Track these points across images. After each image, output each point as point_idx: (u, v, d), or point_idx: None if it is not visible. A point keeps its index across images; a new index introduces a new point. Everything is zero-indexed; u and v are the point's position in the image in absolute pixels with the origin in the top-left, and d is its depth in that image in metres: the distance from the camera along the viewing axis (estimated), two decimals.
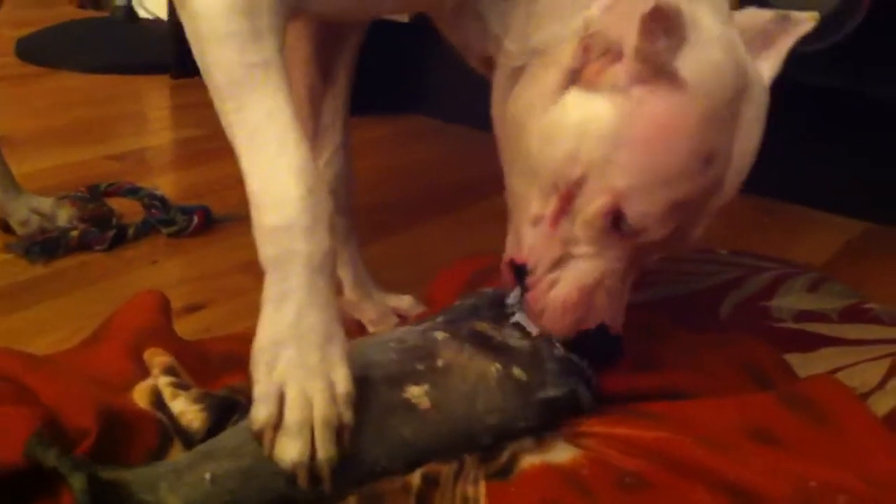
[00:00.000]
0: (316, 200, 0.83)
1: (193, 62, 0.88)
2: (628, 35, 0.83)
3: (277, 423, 0.78)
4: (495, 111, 0.97)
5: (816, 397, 0.99)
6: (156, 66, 2.34)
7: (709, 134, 0.85)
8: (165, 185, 1.59)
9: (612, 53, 0.85)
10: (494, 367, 0.89)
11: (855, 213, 1.71)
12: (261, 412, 0.79)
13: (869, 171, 1.73)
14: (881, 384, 1.09)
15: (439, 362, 0.88)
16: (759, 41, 0.91)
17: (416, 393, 0.85)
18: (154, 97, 2.25)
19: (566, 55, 0.88)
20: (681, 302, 1.27)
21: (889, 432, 0.94)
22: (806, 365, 1.12)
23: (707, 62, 0.84)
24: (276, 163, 0.83)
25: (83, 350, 1.02)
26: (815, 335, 1.20)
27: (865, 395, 1.06)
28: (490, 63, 0.99)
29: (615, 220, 0.87)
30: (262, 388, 0.80)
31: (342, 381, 0.81)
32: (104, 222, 1.38)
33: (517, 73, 0.94)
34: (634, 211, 0.86)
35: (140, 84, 2.31)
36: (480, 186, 1.70)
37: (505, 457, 0.86)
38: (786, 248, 1.53)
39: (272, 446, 0.78)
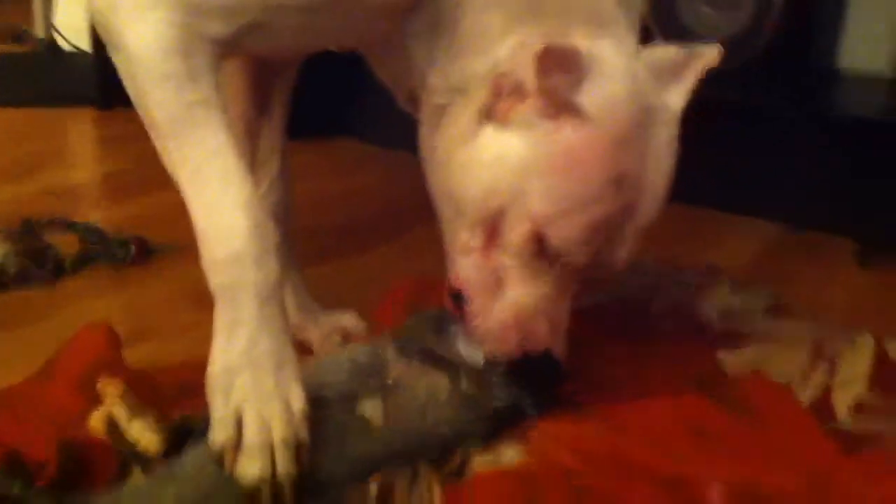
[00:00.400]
0: (263, 232, 0.86)
1: (118, 94, 0.91)
2: (529, 74, 0.88)
3: (237, 444, 0.81)
4: (423, 150, 1.01)
5: (746, 394, 1.05)
6: (78, 98, 2.33)
7: (616, 160, 0.90)
8: (99, 218, 1.59)
9: (521, 91, 0.89)
10: (443, 383, 0.93)
11: (769, 217, 1.78)
12: (220, 435, 0.81)
13: (782, 176, 1.79)
14: (803, 377, 1.14)
15: (390, 380, 0.92)
16: (668, 73, 0.96)
17: (369, 410, 0.88)
18: (79, 130, 2.24)
19: (480, 94, 0.92)
20: (610, 309, 1.32)
21: (814, 421, 1.00)
22: (733, 362, 1.17)
23: (608, 94, 0.89)
24: (222, 198, 0.86)
25: (33, 386, 1.02)
26: (741, 334, 1.25)
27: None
28: (416, 100, 1.02)
29: (540, 246, 0.91)
30: (220, 413, 0.83)
31: (298, 402, 0.84)
32: (41, 257, 1.39)
33: (440, 111, 0.97)
34: (555, 236, 0.91)
35: (64, 117, 2.30)
36: (418, 210, 1.73)
37: (457, 460, 0.90)
38: (705, 254, 1.59)
39: (233, 466, 0.80)
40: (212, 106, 0.88)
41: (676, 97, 0.96)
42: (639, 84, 0.92)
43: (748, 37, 1.77)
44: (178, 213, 0.93)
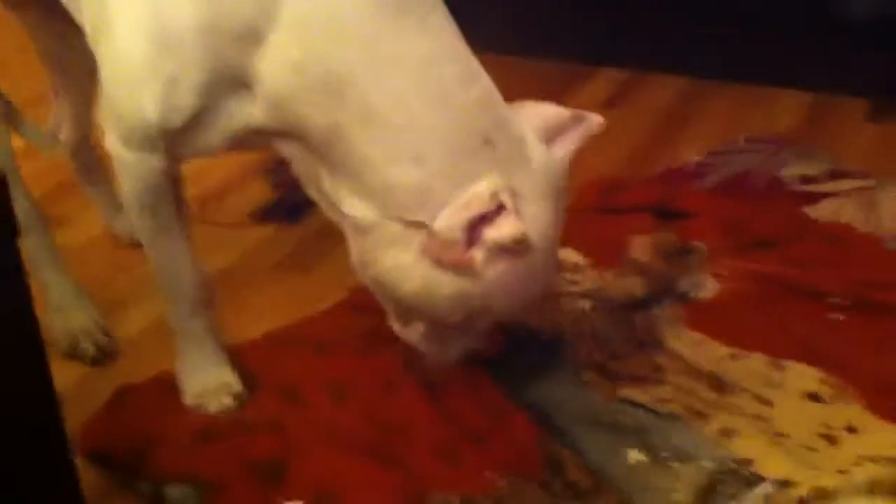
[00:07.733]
0: (199, 298, 1.29)
1: None
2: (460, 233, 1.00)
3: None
4: (354, 257, 1.12)
5: (832, 233, 1.62)
6: None
7: (538, 269, 1.09)
8: None
9: (456, 246, 1.01)
10: None
11: (803, 86, 2.06)
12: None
13: (813, 45, 2.05)
14: (866, 220, 1.66)
15: None
16: (554, 131, 1.06)
17: None
18: None
19: (413, 239, 1.03)
20: (738, 180, 1.79)
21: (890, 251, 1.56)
22: (815, 213, 1.68)
23: (534, 219, 1.03)
24: (177, 280, 1.25)
25: None
26: (817, 193, 1.74)
27: None
28: (327, 199, 1.12)
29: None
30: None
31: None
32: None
33: (363, 227, 1.07)
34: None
35: None
36: None
37: None
38: (754, 124, 1.92)
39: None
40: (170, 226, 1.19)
41: (560, 154, 1.06)
42: (544, 183, 1.04)
43: None
44: None
